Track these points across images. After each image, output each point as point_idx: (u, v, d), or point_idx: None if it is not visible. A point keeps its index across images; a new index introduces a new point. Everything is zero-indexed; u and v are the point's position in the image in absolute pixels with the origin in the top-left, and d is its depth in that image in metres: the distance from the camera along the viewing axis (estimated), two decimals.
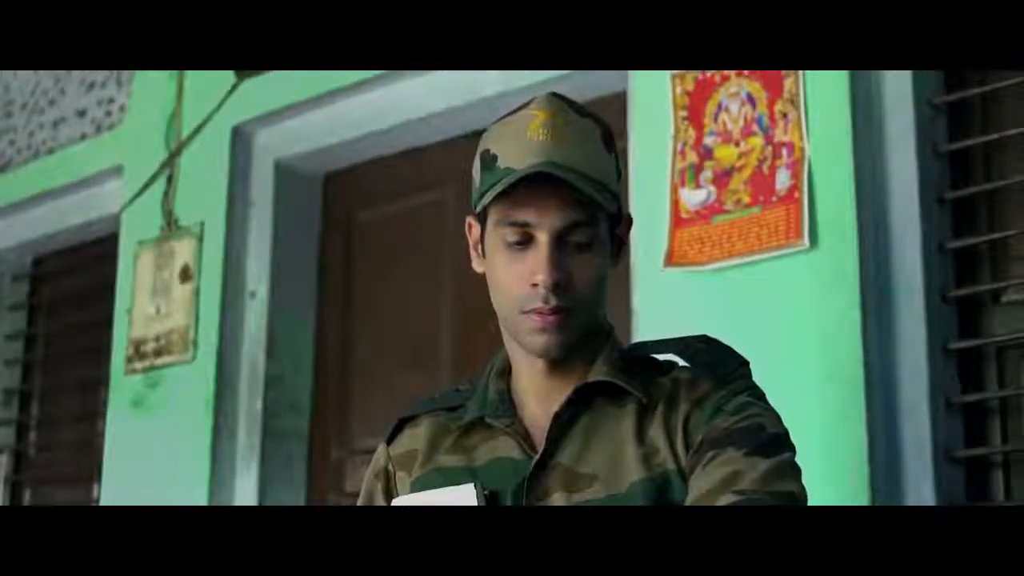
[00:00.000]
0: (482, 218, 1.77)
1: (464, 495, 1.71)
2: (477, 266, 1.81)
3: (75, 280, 4.41)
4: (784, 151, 2.58)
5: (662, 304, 2.68)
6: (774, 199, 2.57)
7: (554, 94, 1.76)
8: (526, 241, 1.70)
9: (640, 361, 1.80)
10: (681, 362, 1.80)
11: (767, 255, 2.56)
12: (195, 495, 3.50)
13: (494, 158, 1.72)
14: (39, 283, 4.62)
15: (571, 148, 1.69)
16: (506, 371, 1.83)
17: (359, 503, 1.89)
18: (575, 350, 1.75)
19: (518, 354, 1.79)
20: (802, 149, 2.55)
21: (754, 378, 1.78)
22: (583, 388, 1.75)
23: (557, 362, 1.76)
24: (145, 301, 3.79)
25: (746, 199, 2.61)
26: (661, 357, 1.82)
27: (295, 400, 3.65)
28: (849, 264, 2.46)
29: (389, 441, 1.88)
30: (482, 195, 1.73)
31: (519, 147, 1.69)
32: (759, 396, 1.74)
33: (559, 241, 1.69)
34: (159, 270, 3.77)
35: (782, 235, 2.54)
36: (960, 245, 2.49)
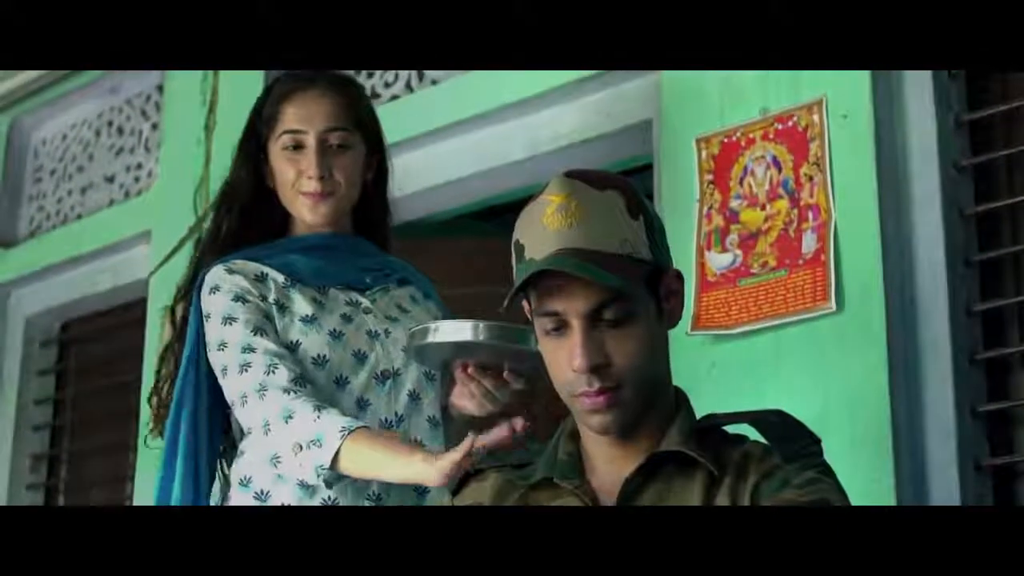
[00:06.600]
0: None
1: None
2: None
3: (103, 345, 4.43)
4: (810, 214, 2.58)
5: (689, 368, 2.66)
6: (800, 262, 2.57)
7: (569, 173, 1.75)
8: (562, 327, 1.71)
9: (712, 432, 1.80)
10: (752, 435, 1.80)
11: (794, 318, 2.55)
12: None
13: (522, 248, 1.73)
14: (67, 348, 4.64)
15: (586, 229, 1.68)
16: (576, 433, 1.82)
17: None
18: (641, 419, 1.75)
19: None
20: (828, 212, 2.55)
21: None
22: (656, 457, 1.75)
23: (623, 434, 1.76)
24: None
25: (772, 262, 2.61)
26: (732, 429, 1.82)
27: None
28: (876, 326, 2.45)
29: (455, 493, 1.89)
30: (515, 290, 1.74)
31: (537, 236, 1.70)
32: (828, 473, 1.73)
33: (591, 322, 1.69)
34: None
35: (809, 298, 2.54)
36: (987, 307, 2.48)
